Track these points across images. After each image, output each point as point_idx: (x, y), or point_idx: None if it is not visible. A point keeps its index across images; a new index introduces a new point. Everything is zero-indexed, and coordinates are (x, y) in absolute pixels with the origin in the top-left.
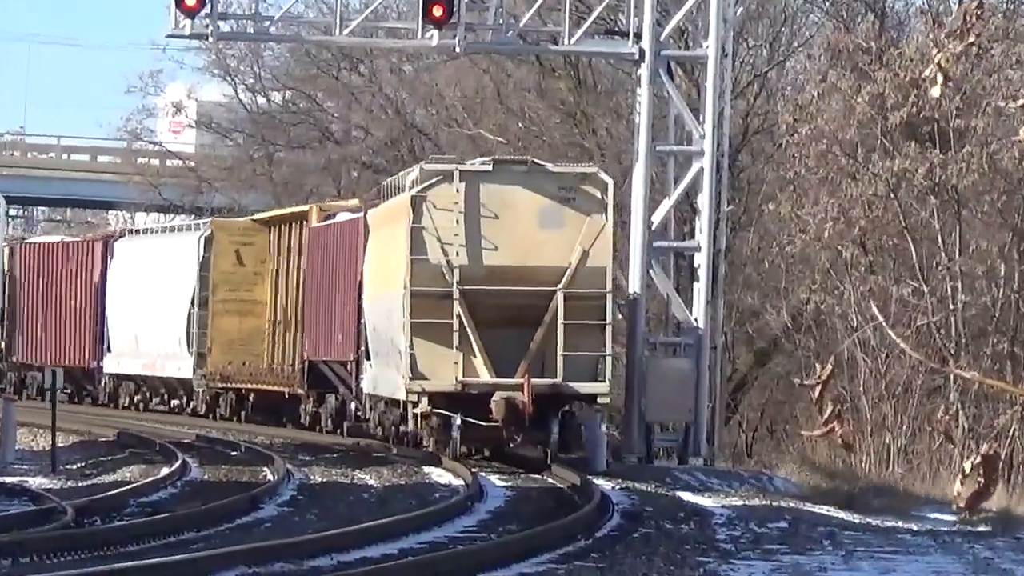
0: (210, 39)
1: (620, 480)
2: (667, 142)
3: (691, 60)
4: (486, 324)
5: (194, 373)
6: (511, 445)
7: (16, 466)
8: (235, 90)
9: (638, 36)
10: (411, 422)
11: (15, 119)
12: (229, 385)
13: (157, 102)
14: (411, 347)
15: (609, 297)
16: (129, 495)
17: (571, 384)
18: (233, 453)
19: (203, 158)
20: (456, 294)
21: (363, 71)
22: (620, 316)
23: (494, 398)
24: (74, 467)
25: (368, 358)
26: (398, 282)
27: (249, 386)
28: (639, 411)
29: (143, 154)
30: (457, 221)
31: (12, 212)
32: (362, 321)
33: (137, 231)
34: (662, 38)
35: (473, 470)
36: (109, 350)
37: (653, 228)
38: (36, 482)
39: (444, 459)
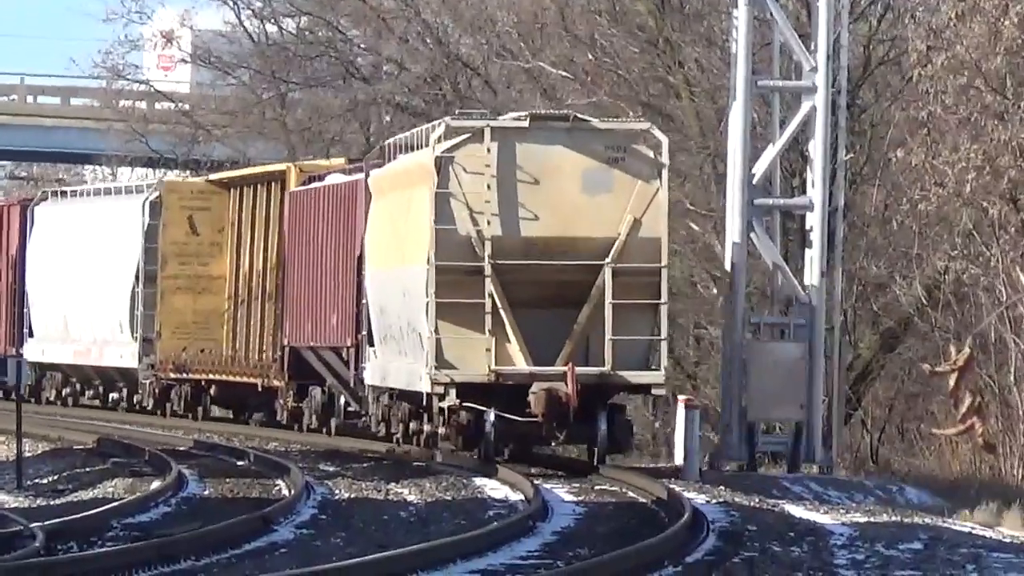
0: None
1: (716, 492)
2: (771, 76)
3: None
4: (522, 304)
5: (140, 362)
6: (552, 444)
7: None
8: (238, 16)
9: None
10: (435, 418)
11: None
12: (184, 376)
13: (143, 31)
14: (436, 331)
15: (664, 272)
16: (112, 515)
17: (621, 373)
18: (240, 463)
19: (200, 100)
20: (488, 270)
21: None
22: (714, 291)
23: (532, 389)
24: (44, 481)
25: (371, 344)
26: (417, 256)
27: (210, 377)
28: (739, 407)
29: (126, 96)
30: (488, 186)
31: None
32: (363, 301)
33: (64, 193)
34: None
35: (535, 482)
36: (31, 335)
37: (755, 182)
38: None
39: (500, 469)
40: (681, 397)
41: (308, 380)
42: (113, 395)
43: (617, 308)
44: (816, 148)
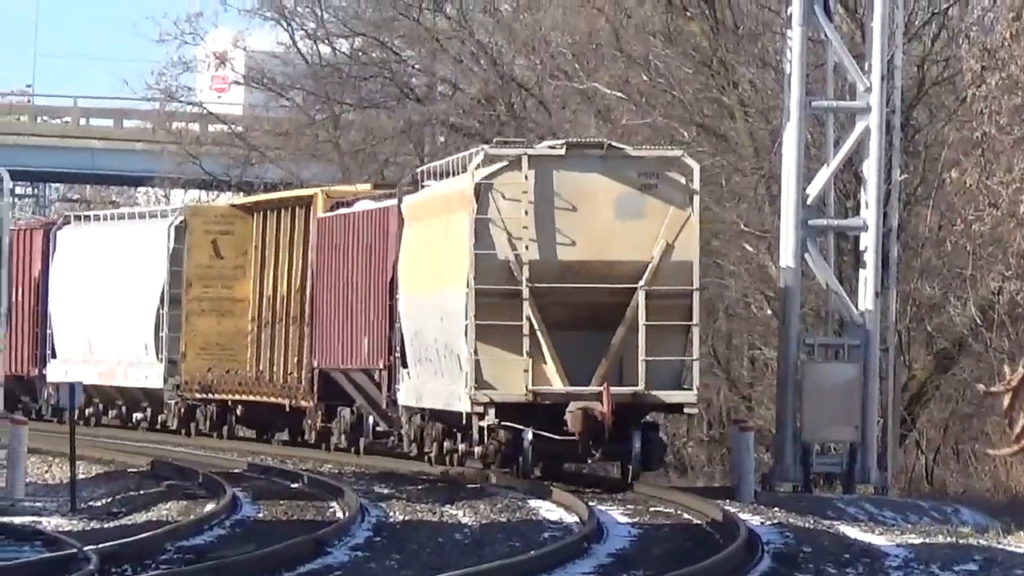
0: None
1: (771, 513)
2: (825, 96)
3: None
4: (558, 326)
5: (165, 383)
6: (588, 461)
7: (27, 503)
8: (292, 37)
9: None
10: (475, 436)
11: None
12: (210, 396)
13: (196, 53)
14: (475, 352)
15: (696, 295)
16: (166, 538)
17: (654, 392)
18: (293, 485)
19: (253, 122)
20: (526, 293)
21: (450, 12)
22: (769, 311)
23: (569, 408)
24: (98, 504)
25: (405, 366)
26: (456, 280)
27: (236, 397)
28: (794, 428)
29: (179, 117)
30: (526, 212)
31: (19, 190)
32: (396, 325)
33: (87, 217)
34: None
35: (590, 504)
36: (54, 356)
37: (809, 202)
38: (52, 523)
39: (555, 491)
40: (736, 419)
41: (336, 401)
42: (137, 415)
43: (650, 329)
44: (870, 168)
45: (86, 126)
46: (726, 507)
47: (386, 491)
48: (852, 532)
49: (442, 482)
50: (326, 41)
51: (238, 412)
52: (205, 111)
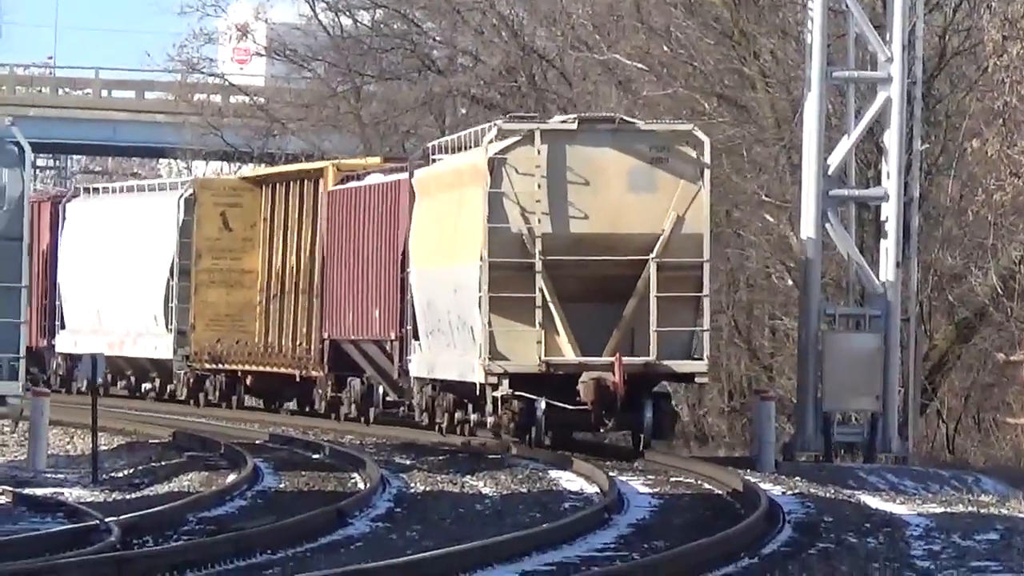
0: None
1: (792, 483)
2: (846, 67)
3: None
4: (570, 298)
5: (174, 353)
6: (600, 430)
7: (49, 475)
8: (313, 9)
9: None
10: (488, 407)
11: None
12: (220, 367)
13: (218, 25)
14: (489, 324)
15: (706, 267)
16: (187, 509)
17: (665, 362)
18: (315, 456)
19: (274, 93)
20: (539, 266)
21: None
22: (790, 282)
23: (582, 379)
24: (120, 475)
25: (416, 337)
26: (469, 253)
27: (246, 368)
28: (814, 398)
29: (201, 89)
30: (539, 186)
31: (40, 162)
32: (408, 296)
33: (95, 190)
34: None
35: (611, 474)
36: (63, 327)
37: (830, 173)
38: (74, 494)
39: (575, 461)
40: (758, 389)
41: (346, 371)
42: (145, 385)
43: (661, 301)
44: (891, 139)
45: (108, 98)
46: (747, 477)
47: (407, 462)
48: (873, 502)
49: (463, 453)
50: (347, 13)
51: (248, 382)
52: (227, 83)
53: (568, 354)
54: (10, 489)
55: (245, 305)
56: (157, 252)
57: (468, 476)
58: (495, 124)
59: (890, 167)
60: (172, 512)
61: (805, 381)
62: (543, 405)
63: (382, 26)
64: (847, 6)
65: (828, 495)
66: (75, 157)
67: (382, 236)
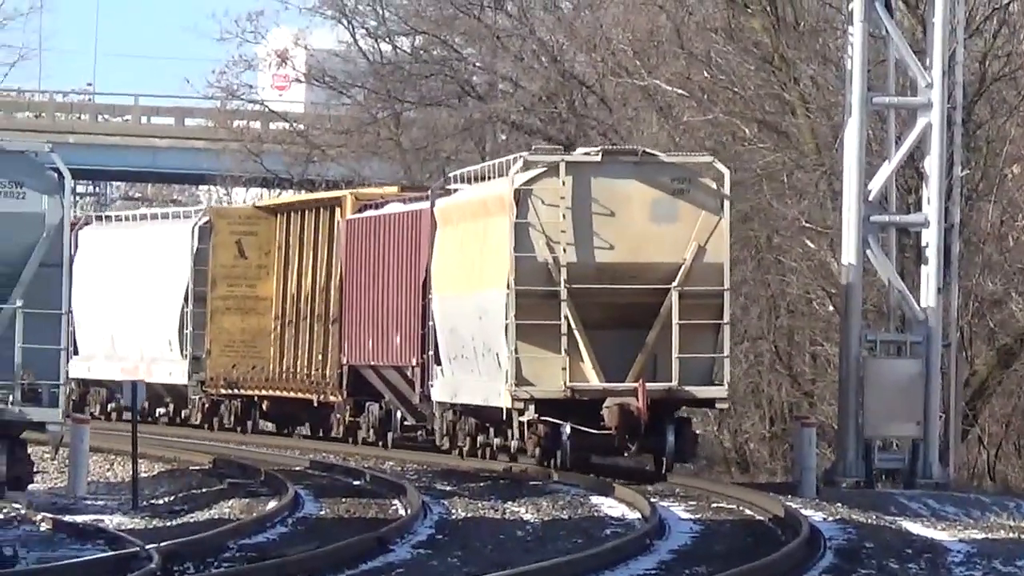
0: None
1: (833, 509)
2: (886, 93)
3: None
4: (594, 325)
5: (189, 379)
6: (625, 454)
7: (89, 501)
8: (353, 35)
9: None
10: (515, 431)
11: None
12: (235, 392)
13: (257, 51)
14: (515, 351)
15: (727, 295)
16: (228, 536)
17: (687, 388)
18: (356, 482)
19: (314, 120)
20: (564, 294)
21: (511, 10)
22: (830, 308)
23: (606, 404)
24: (160, 502)
25: (439, 363)
26: (495, 281)
27: (262, 393)
28: (855, 424)
29: (240, 116)
30: (564, 216)
31: (80, 189)
32: (429, 323)
33: (108, 218)
34: None
35: (652, 500)
36: (76, 353)
37: (870, 199)
38: (114, 521)
39: (616, 487)
40: (799, 415)
41: (364, 396)
42: (160, 410)
43: (683, 328)
44: (932, 164)
45: (147, 124)
46: (788, 503)
47: (448, 488)
48: (914, 528)
49: (504, 479)
50: (387, 39)
51: (263, 407)
52: (267, 109)
53: (592, 380)
54: (50, 516)
55: (259, 331)
56: (171, 279)
57: (509, 502)
58: (520, 156)
59: (931, 192)
60: (213, 539)
61: (846, 407)
62: (568, 430)
63: (422, 52)
64: (887, 32)
65: (869, 521)
66: (115, 184)
67: (403, 264)
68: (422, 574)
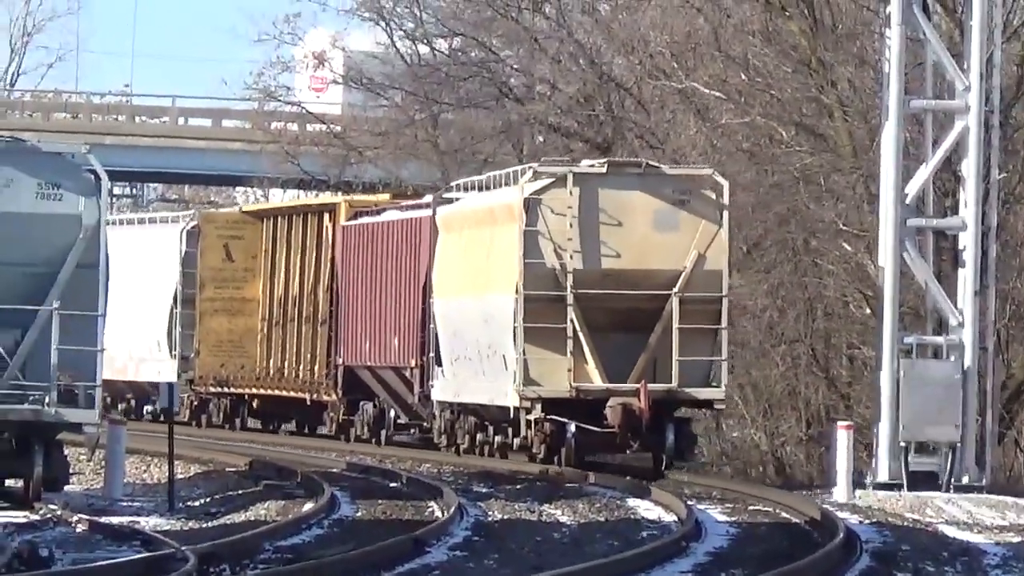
0: None
1: (869, 512)
2: (923, 96)
3: None
4: (598, 328)
5: (178, 378)
6: (627, 452)
7: (126, 503)
8: (391, 37)
9: None
10: (522, 429)
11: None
12: (224, 390)
13: (294, 53)
14: (523, 353)
15: (725, 301)
16: (264, 538)
17: (686, 389)
18: (392, 485)
19: (352, 121)
20: (570, 299)
21: (549, 12)
22: (867, 311)
23: (609, 404)
24: (196, 504)
25: (439, 364)
26: (503, 286)
27: (253, 391)
28: (892, 427)
29: (277, 117)
30: (571, 225)
31: (117, 190)
32: (429, 326)
33: None
34: None
35: (689, 503)
36: None
37: (907, 202)
38: (150, 523)
39: (653, 490)
40: (835, 417)
41: (357, 396)
42: (147, 407)
43: (683, 332)
44: (969, 167)
45: (185, 126)
46: (824, 506)
47: (484, 490)
48: (950, 531)
49: (540, 481)
50: (425, 41)
51: (253, 405)
52: (304, 111)
53: (596, 380)
54: (87, 517)
55: (246, 332)
56: (160, 282)
57: (546, 505)
58: (530, 167)
59: (968, 195)
60: (249, 541)
61: (883, 410)
62: (573, 428)
63: (459, 54)
64: (925, 35)
65: (905, 524)
66: (151, 185)
67: (402, 269)
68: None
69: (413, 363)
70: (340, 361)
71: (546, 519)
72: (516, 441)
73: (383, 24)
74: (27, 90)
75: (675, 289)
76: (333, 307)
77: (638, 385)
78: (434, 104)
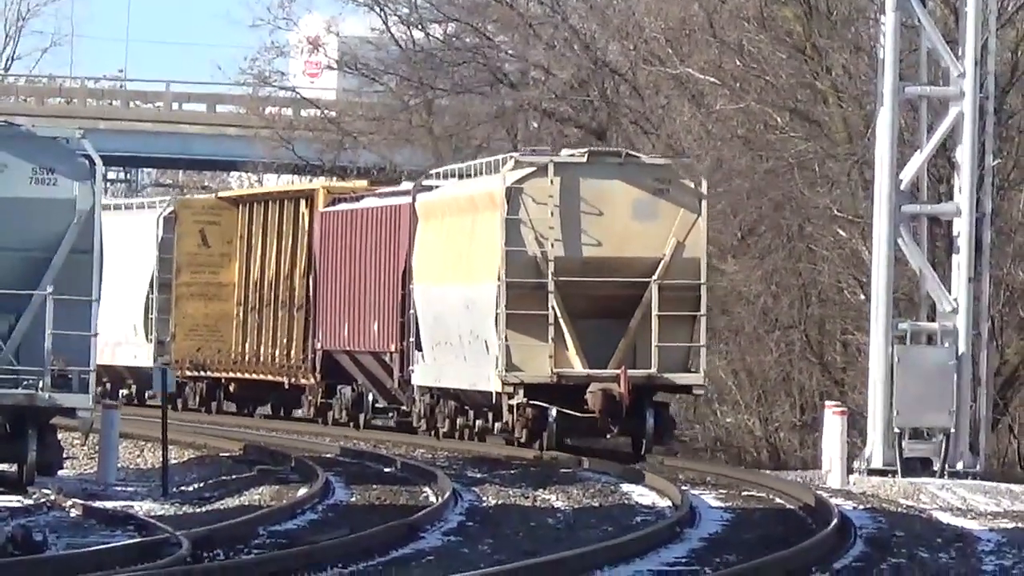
0: None
1: (863, 498)
2: (918, 82)
3: None
4: (579, 315)
5: (154, 361)
6: (607, 436)
7: (119, 488)
8: (385, 22)
9: None
10: (504, 414)
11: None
12: (201, 374)
13: (289, 38)
14: (505, 339)
15: (703, 288)
16: (258, 523)
17: (666, 375)
18: (387, 470)
19: (346, 107)
20: (551, 286)
21: None
22: (861, 296)
23: (590, 389)
24: (190, 489)
25: (420, 349)
26: (484, 273)
27: (230, 375)
28: (886, 413)
29: (272, 102)
30: (552, 213)
31: (111, 175)
32: (410, 312)
33: None
34: None
35: (683, 488)
36: None
37: (902, 188)
38: (144, 507)
39: (647, 475)
40: (828, 403)
41: (335, 380)
42: (122, 391)
43: (662, 319)
44: (963, 154)
45: (179, 111)
46: (818, 492)
47: (478, 475)
48: (944, 517)
49: (534, 467)
50: (419, 26)
51: (231, 389)
52: (298, 96)
53: (577, 366)
54: (80, 502)
55: (222, 316)
56: (137, 267)
57: (540, 490)
58: (511, 156)
59: (962, 182)
60: (243, 526)
61: (876, 396)
62: (554, 412)
63: (454, 39)
64: (919, 21)
65: (899, 510)
66: (145, 170)
67: (381, 255)
68: (452, 561)
69: (393, 348)
70: (319, 346)
71: (540, 504)
72: (497, 425)
73: (378, 9)
74: (21, 75)
75: (654, 276)
76: (312, 292)
77: (618, 371)
78: (428, 89)
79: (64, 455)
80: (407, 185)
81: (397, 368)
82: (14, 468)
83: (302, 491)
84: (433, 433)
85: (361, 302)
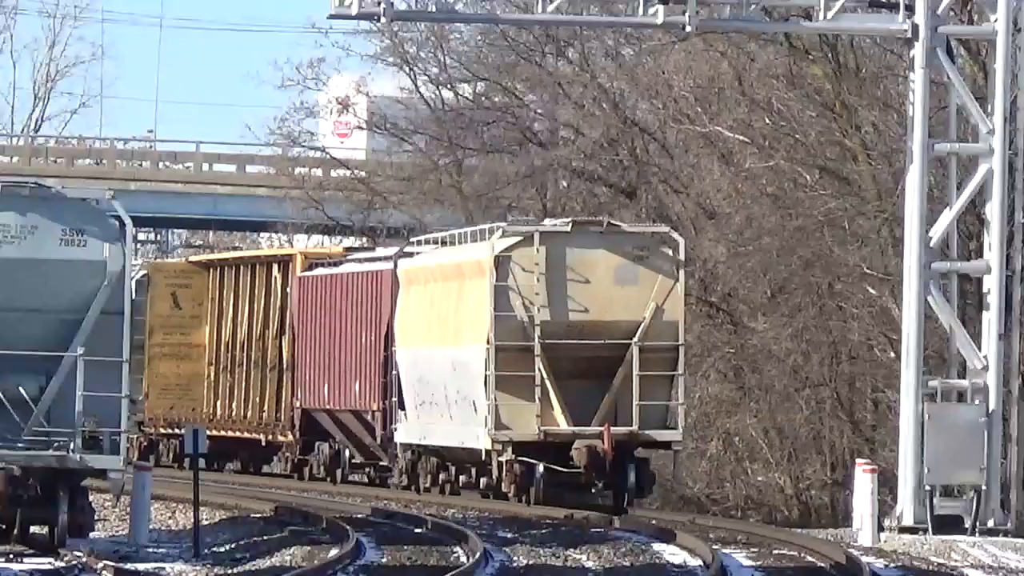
0: (383, 20)
1: (894, 556)
2: (948, 139)
3: (976, 37)
4: (564, 375)
5: (128, 420)
6: (592, 490)
7: (151, 550)
8: (414, 82)
9: (910, 9)
10: (494, 470)
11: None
12: (175, 431)
13: (319, 98)
14: (495, 399)
15: (681, 349)
16: None
17: (646, 431)
18: (417, 530)
19: (376, 167)
20: (538, 348)
21: (572, 57)
22: (892, 354)
23: (575, 445)
24: (222, 550)
25: (402, 408)
26: (473, 336)
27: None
28: (917, 470)
29: (302, 163)
30: (538, 280)
31: (142, 236)
32: (392, 372)
33: None
34: (940, 10)
35: (714, 547)
36: None
37: (931, 245)
38: (176, 569)
39: (679, 534)
40: (859, 461)
41: (313, 437)
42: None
43: (643, 378)
44: (993, 211)
45: (209, 172)
46: (849, 550)
47: (509, 535)
48: (976, 575)
49: (564, 526)
50: (448, 86)
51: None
52: (328, 156)
53: (562, 424)
54: (112, 564)
55: (193, 376)
56: None
57: (571, 549)
58: (499, 226)
59: (992, 239)
60: None
61: (907, 453)
62: (541, 468)
63: (483, 99)
64: (949, 78)
65: (931, 568)
66: (176, 231)
67: (363, 318)
68: None
69: (375, 406)
70: (298, 404)
71: (572, 564)
72: (483, 481)
73: (407, 69)
74: (51, 136)
75: (635, 338)
76: (291, 353)
77: (602, 428)
78: (458, 149)
79: (96, 516)
80: (383, 251)
81: (379, 426)
82: (46, 530)
83: (333, 552)
84: (415, 488)
85: (341, 363)
